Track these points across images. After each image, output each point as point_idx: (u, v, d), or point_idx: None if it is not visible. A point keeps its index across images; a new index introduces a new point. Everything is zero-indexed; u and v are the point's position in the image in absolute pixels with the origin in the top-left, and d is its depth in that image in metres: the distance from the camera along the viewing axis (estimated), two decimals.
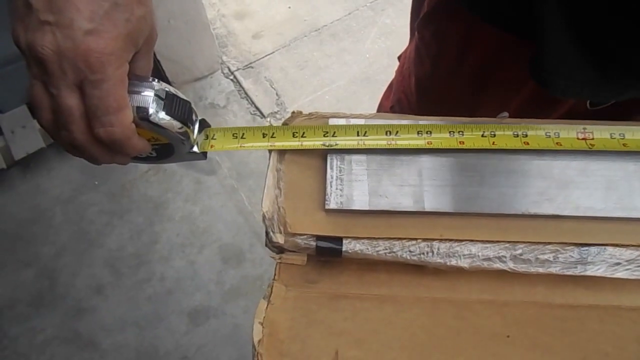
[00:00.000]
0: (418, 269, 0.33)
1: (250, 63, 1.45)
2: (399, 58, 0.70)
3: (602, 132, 0.33)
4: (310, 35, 1.51)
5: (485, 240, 0.32)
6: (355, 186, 0.33)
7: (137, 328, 1.11)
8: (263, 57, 1.47)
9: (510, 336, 0.30)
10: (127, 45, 0.28)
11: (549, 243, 0.32)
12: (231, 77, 1.43)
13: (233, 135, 0.34)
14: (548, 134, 0.33)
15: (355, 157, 0.34)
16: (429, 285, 0.33)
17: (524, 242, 0.32)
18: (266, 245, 0.34)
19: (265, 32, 1.51)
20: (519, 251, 0.32)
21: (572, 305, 0.32)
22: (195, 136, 0.33)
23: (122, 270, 1.17)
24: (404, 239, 0.32)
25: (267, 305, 0.31)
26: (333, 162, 0.34)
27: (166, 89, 0.31)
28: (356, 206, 0.33)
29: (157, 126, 0.30)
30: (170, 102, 0.30)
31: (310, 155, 0.35)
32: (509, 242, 0.32)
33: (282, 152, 0.35)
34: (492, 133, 0.33)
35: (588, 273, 0.32)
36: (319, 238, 0.32)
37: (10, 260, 1.19)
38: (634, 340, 0.30)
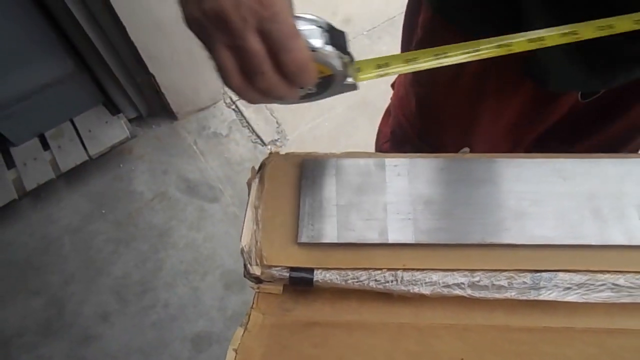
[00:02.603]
0: (387, 295, 0.36)
1: None
2: (392, 86, 0.73)
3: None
4: None
5: (445, 268, 0.35)
6: (325, 221, 0.36)
7: (142, 355, 1.13)
8: None
9: None
10: None
11: (505, 270, 0.35)
12: (233, 106, 1.48)
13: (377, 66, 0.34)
14: None
15: (325, 194, 0.37)
16: (396, 311, 0.36)
17: (481, 270, 0.35)
18: (245, 276, 0.37)
19: None
20: (477, 278, 0.35)
21: (528, 328, 0.34)
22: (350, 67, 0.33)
23: (128, 298, 1.20)
24: (370, 269, 0.35)
25: (244, 332, 0.33)
26: (305, 199, 0.37)
27: (324, 21, 0.31)
28: (326, 239, 0.36)
29: (324, 57, 0.31)
30: (331, 34, 0.31)
31: (286, 191, 0.38)
32: (467, 270, 0.35)
33: (260, 189, 0.38)
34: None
35: (541, 297, 0.34)
36: (292, 269, 0.35)
37: (21, 289, 1.23)
38: None
